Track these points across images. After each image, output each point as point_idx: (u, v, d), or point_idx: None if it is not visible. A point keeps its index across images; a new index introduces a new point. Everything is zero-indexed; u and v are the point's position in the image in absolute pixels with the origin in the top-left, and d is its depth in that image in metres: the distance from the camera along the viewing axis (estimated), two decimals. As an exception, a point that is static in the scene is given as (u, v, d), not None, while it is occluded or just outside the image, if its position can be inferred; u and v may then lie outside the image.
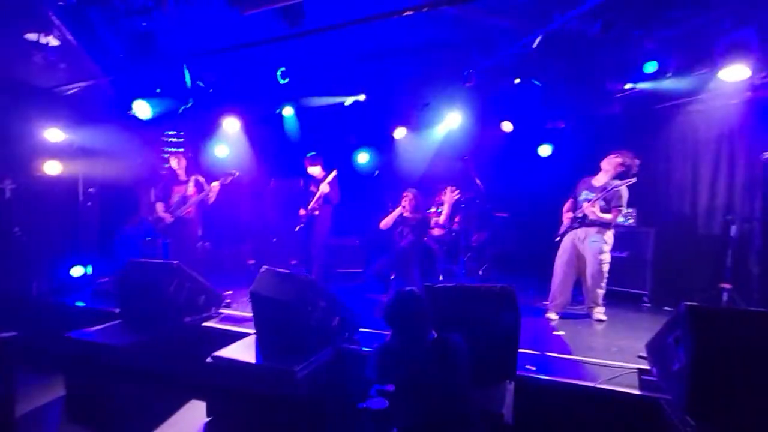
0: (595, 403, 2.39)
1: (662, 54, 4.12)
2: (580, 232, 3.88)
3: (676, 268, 4.65)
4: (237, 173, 5.00)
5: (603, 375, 2.60)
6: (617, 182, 3.71)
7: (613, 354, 2.98)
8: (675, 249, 4.73)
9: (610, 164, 3.84)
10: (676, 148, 5.04)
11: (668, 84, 4.34)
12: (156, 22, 3.45)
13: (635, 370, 2.61)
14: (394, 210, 4.76)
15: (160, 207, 4.89)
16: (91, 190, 5.29)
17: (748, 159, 4.38)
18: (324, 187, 4.83)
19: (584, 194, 3.91)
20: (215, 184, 4.83)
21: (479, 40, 4.39)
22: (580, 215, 3.87)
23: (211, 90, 5.08)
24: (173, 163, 4.99)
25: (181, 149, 6.10)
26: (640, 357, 2.75)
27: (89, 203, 5.29)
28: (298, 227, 4.96)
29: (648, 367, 2.59)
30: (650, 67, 4.33)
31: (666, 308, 4.29)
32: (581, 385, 2.47)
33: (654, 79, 4.42)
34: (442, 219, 4.97)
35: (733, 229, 4.45)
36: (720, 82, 3.78)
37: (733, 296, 4.20)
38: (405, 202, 4.69)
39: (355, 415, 1.88)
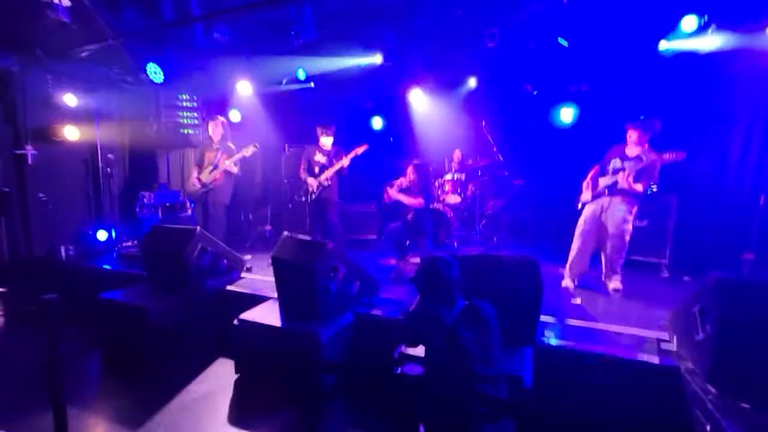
0: (613, 370, 2.43)
1: (704, 8, 3.82)
2: (605, 200, 3.79)
3: (697, 238, 4.55)
4: (257, 146, 4.95)
5: (621, 343, 2.63)
6: (666, 155, 3.56)
7: (631, 322, 3.00)
8: (697, 217, 4.61)
9: (633, 137, 3.69)
10: (708, 113, 4.80)
11: (707, 43, 4.06)
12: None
13: (654, 339, 2.63)
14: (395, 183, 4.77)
15: (194, 173, 4.94)
16: (110, 155, 5.33)
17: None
18: (346, 161, 4.78)
19: (614, 162, 3.78)
20: (230, 163, 4.83)
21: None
22: (610, 183, 3.76)
23: (227, 37, 4.86)
24: (210, 129, 4.96)
25: (195, 114, 6.04)
26: (661, 326, 2.76)
27: (109, 169, 5.34)
28: (309, 198, 4.94)
29: (667, 336, 2.61)
30: (688, 23, 4.05)
31: (685, 278, 4.27)
32: (598, 352, 2.51)
33: (691, 37, 4.15)
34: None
35: (762, 198, 4.32)
36: (766, 39, 3.52)
37: (755, 267, 4.14)
38: (409, 177, 4.64)
39: (375, 377, 1.95)
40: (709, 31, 3.93)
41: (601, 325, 2.95)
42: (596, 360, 2.48)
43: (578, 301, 3.54)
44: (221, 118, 5.02)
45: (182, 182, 5.96)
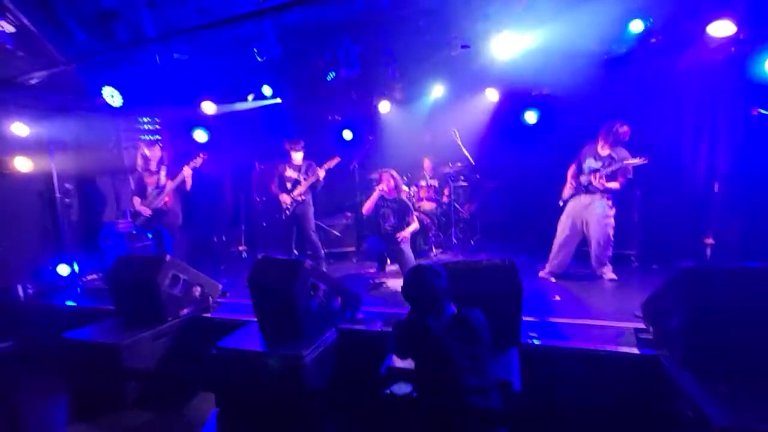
0: (596, 363, 2.48)
1: (649, 11, 4.06)
2: (585, 198, 3.97)
3: (661, 227, 4.77)
4: (204, 155, 4.79)
5: (601, 336, 2.70)
6: (629, 159, 3.75)
7: (608, 314, 3.09)
8: (660, 208, 4.83)
9: (608, 137, 3.89)
10: (659, 108, 5.06)
11: (653, 43, 4.31)
12: (121, 2, 3.20)
13: (632, 330, 2.71)
14: (373, 192, 4.72)
15: (137, 201, 4.72)
16: (67, 185, 5.05)
17: (730, 116, 4.44)
18: (321, 173, 4.73)
19: (589, 161, 3.97)
20: (185, 170, 4.66)
21: (465, 5, 4.23)
22: (586, 183, 3.93)
23: (186, 56, 4.75)
24: (145, 151, 4.78)
25: (158, 136, 5.85)
26: (637, 316, 2.84)
27: (67, 199, 5.06)
28: (283, 215, 4.85)
29: (644, 326, 2.69)
30: (635, 26, 4.28)
31: (654, 266, 4.45)
32: (581, 348, 2.56)
33: (639, 38, 4.39)
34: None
35: (716, 186, 4.58)
36: (706, 38, 3.76)
37: (715, 251, 4.37)
38: (383, 184, 4.63)
39: (364, 396, 1.89)
40: (651, 37, 4.17)
41: (581, 321, 3.02)
42: (579, 355, 2.53)
43: (557, 298, 3.62)
44: (152, 141, 4.85)
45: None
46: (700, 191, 4.76)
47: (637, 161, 3.72)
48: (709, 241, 4.47)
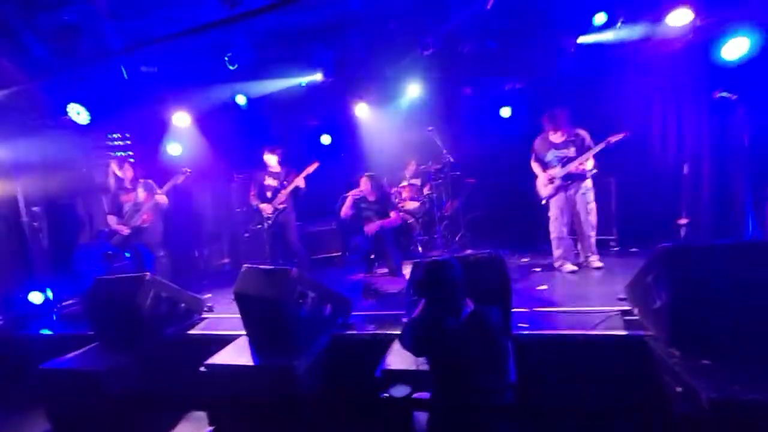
0: (586, 348, 2.52)
1: (611, 4, 4.20)
2: (570, 188, 4.00)
3: (637, 211, 4.92)
4: (188, 171, 4.71)
5: (589, 321, 2.74)
6: (615, 136, 3.82)
7: (594, 300, 3.15)
8: (635, 193, 4.99)
9: (555, 123, 3.94)
10: (627, 97, 5.23)
11: (617, 34, 4.46)
12: (81, 15, 3.08)
13: (618, 313, 2.77)
14: (349, 195, 4.75)
15: (112, 220, 4.58)
16: (35, 209, 4.83)
17: (693, 101, 4.62)
18: (300, 181, 4.68)
19: (552, 153, 4.01)
20: (161, 193, 4.58)
21: (433, 6, 4.28)
22: (564, 174, 3.96)
23: (155, 69, 4.63)
24: (116, 170, 4.63)
25: (130, 152, 5.67)
26: (620, 299, 2.91)
27: (35, 223, 4.83)
28: (265, 224, 4.78)
29: (629, 308, 2.76)
30: (600, 18, 4.42)
31: (633, 249, 4.58)
32: (571, 335, 2.60)
33: (603, 30, 4.53)
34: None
35: (685, 168, 4.76)
36: (666, 27, 3.91)
37: (689, 231, 4.54)
38: (362, 187, 4.65)
39: (360, 401, 1.85)
40: (618, 24, 4.31)
41: (569, 308, 3.07)
42: (569, 342, 2.57)
43: (544, 287, 3.67)
44: (124, 158, 4.76)
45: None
46: (670, 174, 4.94)
47: (620, 136, 3.77)
48: (683, 221, 4.63)
